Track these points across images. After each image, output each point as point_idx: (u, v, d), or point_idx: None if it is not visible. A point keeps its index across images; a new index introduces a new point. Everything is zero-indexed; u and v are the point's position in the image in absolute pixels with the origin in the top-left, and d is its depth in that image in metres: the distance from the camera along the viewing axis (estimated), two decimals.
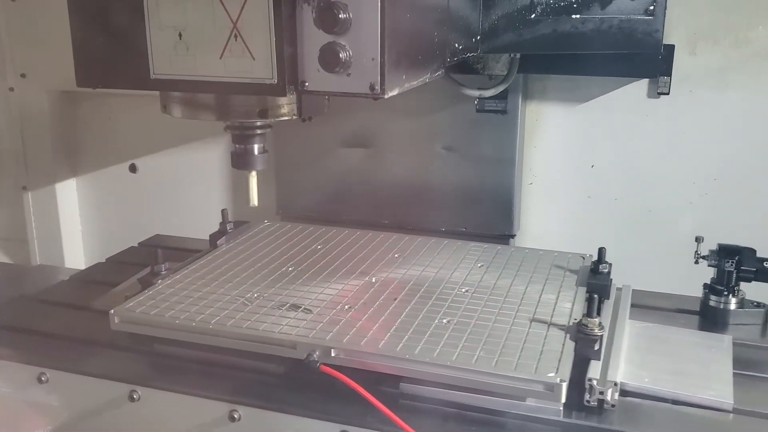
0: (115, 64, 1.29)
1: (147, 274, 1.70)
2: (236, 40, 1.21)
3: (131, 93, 2.44)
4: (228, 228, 1.99)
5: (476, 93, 1.89)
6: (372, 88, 1.19)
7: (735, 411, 1.34)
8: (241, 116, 1.36)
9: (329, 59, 1.18)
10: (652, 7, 1.65)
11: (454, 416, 1.32)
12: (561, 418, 1.30)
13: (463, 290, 1.62)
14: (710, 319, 1.73)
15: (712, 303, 1.73)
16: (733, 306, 1.72)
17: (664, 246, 2.05)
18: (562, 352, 1.34)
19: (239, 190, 2.49)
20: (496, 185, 2.03)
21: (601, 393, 1.30)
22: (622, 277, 2.07)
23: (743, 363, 1.51)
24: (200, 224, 2.51)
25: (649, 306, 1.78)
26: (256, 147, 1.44)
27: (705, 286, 1.75)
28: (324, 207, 2.22)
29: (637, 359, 1.47)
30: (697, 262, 1.73)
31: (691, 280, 1.82)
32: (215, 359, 1.47)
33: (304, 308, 1.51)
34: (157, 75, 1.27)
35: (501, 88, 1.89)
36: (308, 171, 2.21)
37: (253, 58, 1.21)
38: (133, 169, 2.63)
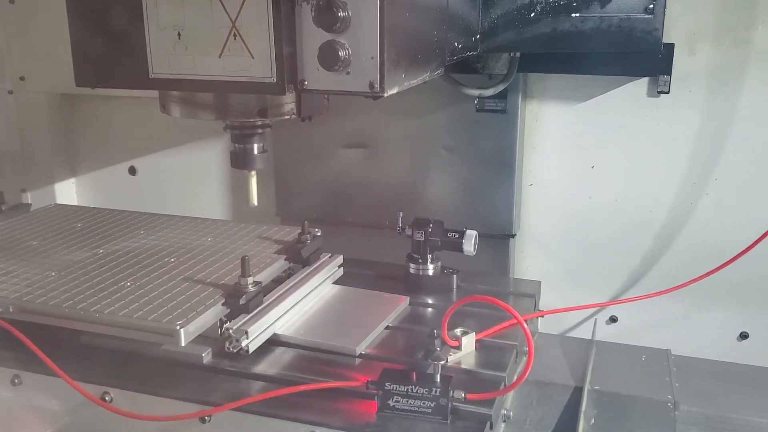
0: (114, 63, 1.29)
1: None
2: (235, 39, 1.21)
3: (129, 95, 2.45)
4: (2, 208, 2.14)
5: (476, 92, 1.89)
6: (371, 86, 1.19)
7: (361, 356, 1.51)
8: (240, 116, 1.35)
9: (328, 58, 1.17)
10: (651, 6, 1.65)
11: (119, 363, 1.47)
12: (203, 363, 1.46)
13: (172, 259, 1.74)
14: (412, 284, 1.85)
15: (411, 270, 1.86)
16: (430, 272, 1.84)
17: (664, 246, 2.05)
18: (206, 305, 1.48)
19: (238, 191, 2.49)
20: (496, 185, 2.03)
21: (237, 341, 1.44)
22: (621, 276, 2.09)
23: (411, 320, 1.70)
24: None
25: (364, 274, 1.93)
26: (255, 147, 1.44)
27: (407, 255, 1.88)
28: (324, 208, 2.21)
29: (310, 315, 1.66)
30: (400, 234, 1.86)
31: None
32: None
33: (13, 274, 1.64)
34: (156, 74, 1.27)
35: (501, 87, 1.88)
36: (308, 172, 2.20)
37: (252, 57, 1.21)
38: (132, 171, 2.62)
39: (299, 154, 2.19)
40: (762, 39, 1.85)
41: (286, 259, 1.77)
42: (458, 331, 1.53)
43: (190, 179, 2.54)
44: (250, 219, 2.11)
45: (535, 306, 1.84)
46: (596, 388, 1.54)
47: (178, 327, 1.38)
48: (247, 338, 1.45)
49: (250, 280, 1.52)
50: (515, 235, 2.09)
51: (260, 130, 1.42)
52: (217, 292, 1.54)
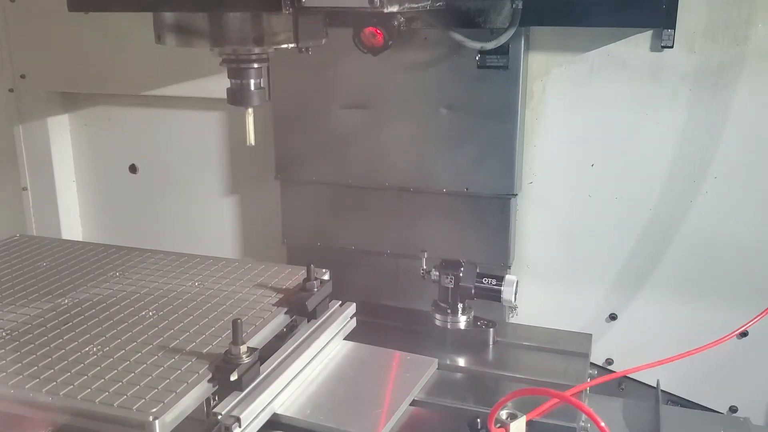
0: None
1: None
2: None
3: (130, 93, 2.45)
4: None
5: (477, 45, 1.86)
6: (371, 1, 1.16)
7: None
8: (235, 43, 1.32)
9: None
10: None
11: None
12: None
13: (150, 313, 1.50)
14: (437, 338, 1.62)
15: (437, 322, 1.62)
16: (462, 325, 1.61)
17: (665, 245, 2.03)
18: (188, 383, 1.23)
19: (239, 189, 2.47)
20: (498, 144, 1.99)
21: (227, 429, 1.22)
22: (623, 276, 2.08)
23: (441, 390, 1.47)
24: (201, 225, 2.49)
25: (385, 324, 1.71)
26: (252, 82, 1.40)
27: (433, 303, 1.64)
28: (324, 170, 2.17)
29: (318, 386, 1.44)
30: (423, 278, 1.63)
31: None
32: None
33: None
34: None
35: (503, 40, 1.85)
36: (307, 134, 2.16)
37: None
38: (133, 169, 2.61)
39: (298, 116, 2.16)
40: (761, 37, 1.84)
41: (287, 312, 1.52)
42: (504, 414, 1.31)
43: (191, 176, 2.51)
44: (251, 185, 2.06)
45: (587, 365, 1.63)
46: None
47: (151, 418, 1.14)
48: (240, 426, 1.23)
49: (243, 348, 1.28)
50: (517, 194, 2.06)
51: (257, 65, 1.39)
52: (203, 364, 1.28)
